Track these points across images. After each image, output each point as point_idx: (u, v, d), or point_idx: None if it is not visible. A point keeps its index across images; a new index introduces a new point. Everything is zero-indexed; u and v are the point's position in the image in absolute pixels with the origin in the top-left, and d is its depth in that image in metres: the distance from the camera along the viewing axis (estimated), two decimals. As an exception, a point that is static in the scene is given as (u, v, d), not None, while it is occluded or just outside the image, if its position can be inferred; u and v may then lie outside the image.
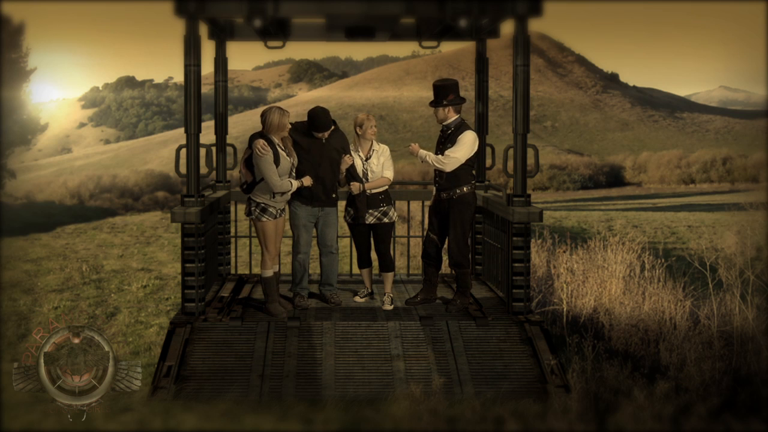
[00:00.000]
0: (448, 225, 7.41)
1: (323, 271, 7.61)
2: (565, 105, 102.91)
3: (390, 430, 5.47)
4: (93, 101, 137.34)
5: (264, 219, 7.05)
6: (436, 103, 7.37)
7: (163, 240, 16.93)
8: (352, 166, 7.34)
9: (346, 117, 75.42)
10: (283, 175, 6.96)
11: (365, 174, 7.40)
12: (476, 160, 7.68)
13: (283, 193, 7.02)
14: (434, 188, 7.58)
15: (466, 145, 7.27)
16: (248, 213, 7.14)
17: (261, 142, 6.88)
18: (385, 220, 7.48)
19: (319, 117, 7.14)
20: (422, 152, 7.37)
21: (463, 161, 7.29)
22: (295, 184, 7.04)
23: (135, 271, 12.73)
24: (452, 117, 7.37)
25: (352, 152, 7.42)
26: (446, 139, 7.37)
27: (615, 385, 6.22)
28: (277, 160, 6.89)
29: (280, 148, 6.98)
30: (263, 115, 7.00)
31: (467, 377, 6.32)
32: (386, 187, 7.49)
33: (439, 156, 7.32)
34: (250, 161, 6.99)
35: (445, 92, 7.33)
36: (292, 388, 6.16)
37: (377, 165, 7.41)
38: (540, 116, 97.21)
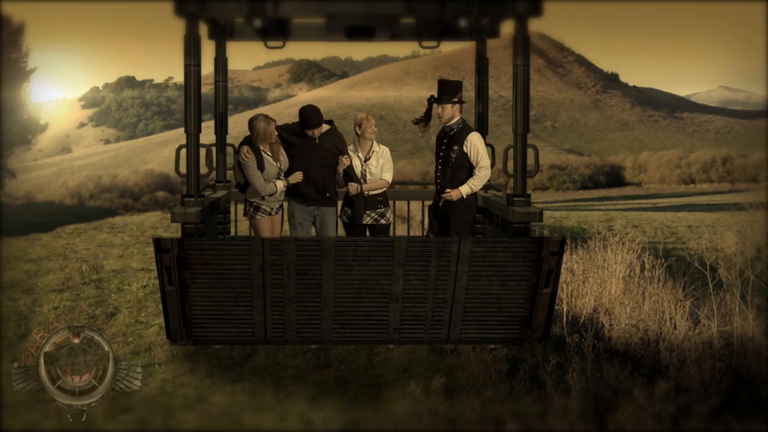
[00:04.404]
0: (449, 226, 7.37)
1: (323, 271, 7.61)
2: (565, 105, 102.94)
3: (390, 430, 5.47)
4: (93, 101, 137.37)
5: (258, 216, 7.16)
6: (445, 100, 7.17)
7: (163, 240, 16.90)
8: (350, 167, 7.32)
9: (346, 117, 75.41)
10: (269, 180, 7.03)
11: (364, 175, 7.38)
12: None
13: (272, 194, 7.11)
14: (435, 188, 7.51)
15: (483, 147, 7.24)
16: (245, 213, 7.29)
17: (245, 149, 7.01)
18: (382, 221, 7.46)
19: (309, 114, 7.18)
20: (464, 189, 7.18)
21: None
22: (280, 184, 7.09)
23: (135, 271, 12.73)
24: (457, 117, 7.27)
25: (351, 153, 7.40)
26: (451, 140, 7.24)
27: (615, 385, 6.22)
28: (261, 166, 6.99)
29: (266, 153, 7.05)
30: (250, 123, 7.09)
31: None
32: (384, 188, 7.48)
33: (477, 176, 7.20)
34: (240, 164, 7.13)
35: (455, 90, 7.18)
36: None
37: (376, 166, 7.38)
38: (540, 116, 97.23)
